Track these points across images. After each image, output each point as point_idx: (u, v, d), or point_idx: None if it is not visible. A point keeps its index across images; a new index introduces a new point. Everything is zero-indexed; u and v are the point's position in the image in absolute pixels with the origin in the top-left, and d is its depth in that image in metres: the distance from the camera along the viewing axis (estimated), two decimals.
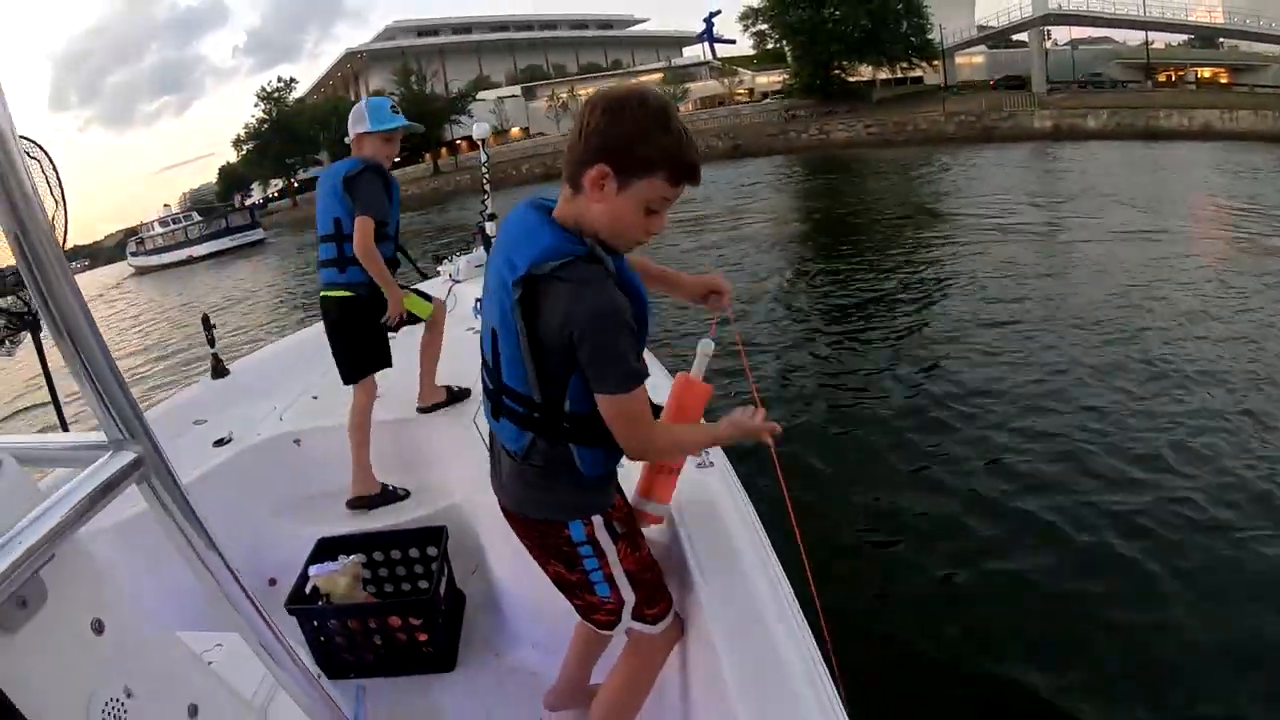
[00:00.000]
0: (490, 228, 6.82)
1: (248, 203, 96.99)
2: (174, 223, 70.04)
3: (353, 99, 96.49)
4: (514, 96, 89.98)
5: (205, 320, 5.21)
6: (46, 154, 3.32)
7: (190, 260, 61.46)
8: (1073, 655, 4.14)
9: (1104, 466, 5.94)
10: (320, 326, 4.59)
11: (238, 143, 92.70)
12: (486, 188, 7.23)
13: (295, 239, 53.60)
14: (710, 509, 2.61)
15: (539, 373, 1.93)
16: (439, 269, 7.17)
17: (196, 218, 69.68)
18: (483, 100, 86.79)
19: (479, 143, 7.05)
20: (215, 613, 1.36)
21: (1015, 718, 3.88)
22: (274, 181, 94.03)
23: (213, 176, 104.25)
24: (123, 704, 1.21)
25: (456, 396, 4.45)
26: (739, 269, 15.32)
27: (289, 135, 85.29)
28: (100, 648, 1.20)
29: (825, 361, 9.19)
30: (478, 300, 5.65)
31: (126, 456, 1.13)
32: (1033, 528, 5.28)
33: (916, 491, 5.88)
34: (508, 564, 3.37)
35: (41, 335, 3.51)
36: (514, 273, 1.87)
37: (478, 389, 3.49)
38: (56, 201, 3.34)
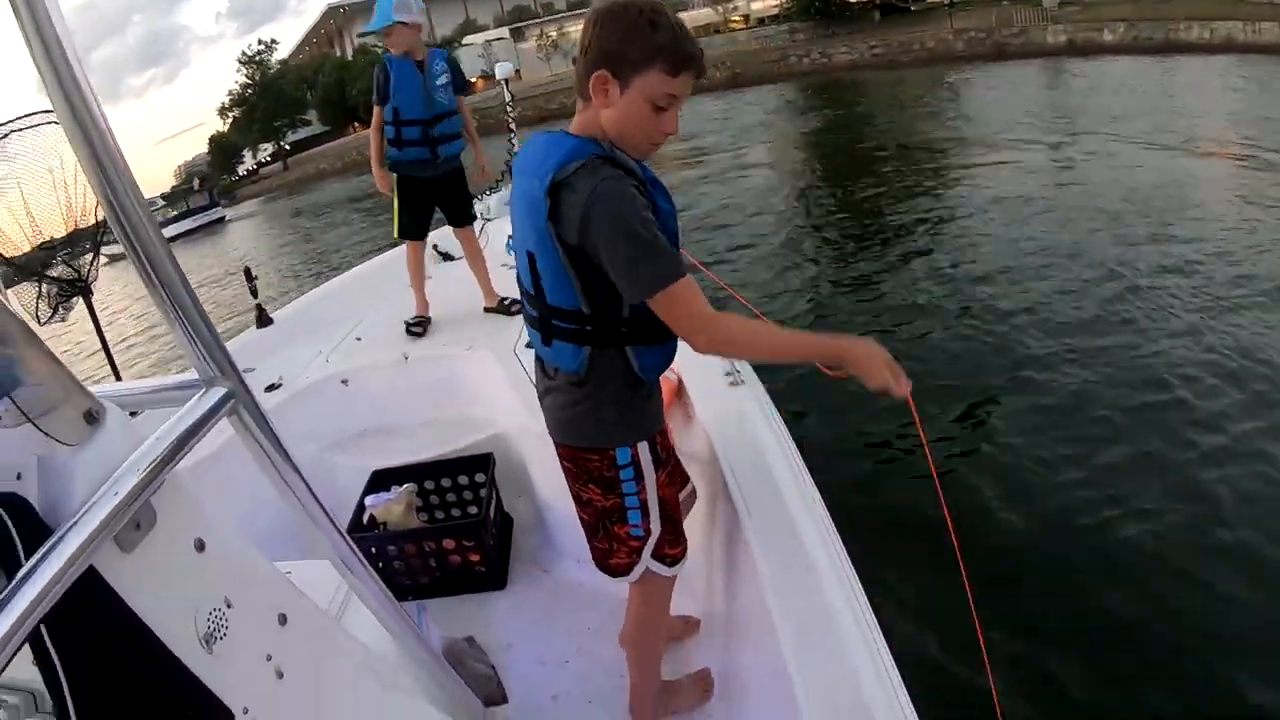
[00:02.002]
0: None
1: (239, 169, 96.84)
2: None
3: (338, 54, 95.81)
4: (501, 39, 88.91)
5: (247, 272, 5.51)
6: None
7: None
8: None
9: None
10: (357, 270, 5.13)
11: (223, 110, 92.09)
12: (513, 125, 7.45)
13: (290, 202, 53.22)
14: (751, 440, 2.69)
15: (583, 282, 1.98)
16: None
17: (160, 203, 69.90)
18: (469, 45, 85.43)
19: (502, 82, 7.33)
20: (299, 532, 1.55)
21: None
22: (263, 146, 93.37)
23: (205, 147, 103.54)
24: (224, 613, 1.37)
25: (510, 306, 5.05)
26: (741, 205, 15.03)
27: (275, 98, 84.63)
28: (203, 563, 1.36)
29: (841, 298, 9.08)
30: (509, 237, 5.83)
31: (219, 392, 1.37)
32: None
33: (958, 429, 5.86)
34: (552, 487, 3.58)
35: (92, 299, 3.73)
36: (542, 185, 1.93)
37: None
38: None
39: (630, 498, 2.25)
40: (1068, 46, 49.02)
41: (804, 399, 5.99)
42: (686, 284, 1.90)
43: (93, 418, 1.25)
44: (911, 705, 1.75)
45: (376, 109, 5.15)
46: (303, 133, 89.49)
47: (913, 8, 72.20)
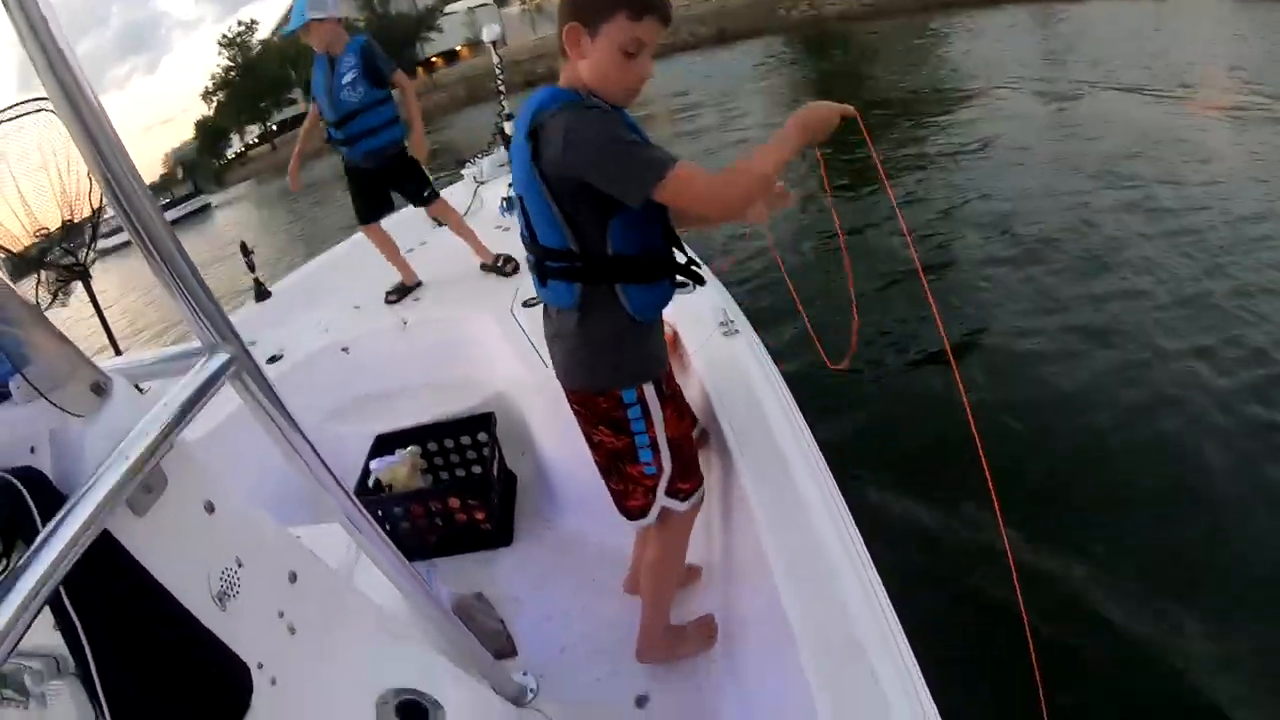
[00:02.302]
0: (509, 127, 7.08)
1: (227, 153, 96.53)
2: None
3: None
4: (485, 5, 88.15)
5: (244, 247, 5.60)
6: None
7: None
8: None
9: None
10: (351, 241, 5.21)
11: (207, 95, 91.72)
12: (502, 89, 7.48)
13: (280, 183, 52.94)
14: (744, 386, 2.75)
15: (568, 220, 2.06)
16: (462, 172, 7.58)
17: None
18: (452, 13, 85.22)
19: (490, 45, 7.28)
20: (307, 498, 1.61)
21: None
22: (250, 128, 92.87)
23: (192, 133, 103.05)
24: (235, 572, 1.44)
25: (504, 265, 5.13)
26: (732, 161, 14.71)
27: (258, 79, 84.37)
28: (213, 524, 1.43)
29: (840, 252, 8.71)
30: (503, 199, 6.02)
31: (221, 358, 1.43)
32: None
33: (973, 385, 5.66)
34: (554, 443, 3.68)
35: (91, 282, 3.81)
36: (524, 130, 2.04)
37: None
38: None
39: (640, 436, 2.33)
40: None
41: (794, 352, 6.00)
42: (685, 166, 1.92)
43: (100, 390, 1.31)
44: (904, 635, 1.80)
45: (312, 104, 5.40)
46: (289, 112, 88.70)
47: None
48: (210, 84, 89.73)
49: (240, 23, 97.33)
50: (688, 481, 2.47)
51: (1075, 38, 26.83)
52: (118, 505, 1.18)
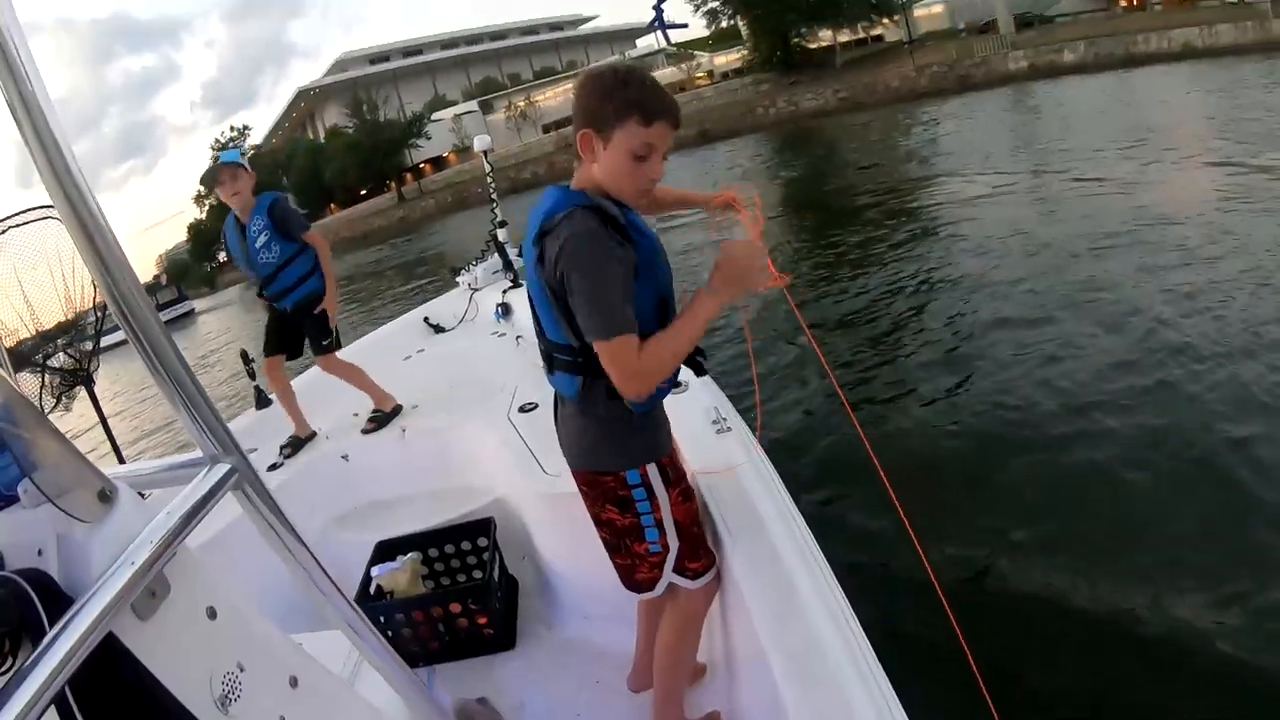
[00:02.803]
0: (502, 234, 7.28)
1: (219, 256, 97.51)
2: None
3: (310, 137, 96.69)
4: (471, 112, 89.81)
5: (244, 355, 5.63)
6: None
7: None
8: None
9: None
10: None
11: (199, 198, 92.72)
12: (494, 196, 7.60)
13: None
14: (739, 484, 2.81)
15: (568, 320, 2.16)
16: (457, 280, 7.60)
17: None
18: (439, 120, 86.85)
19: (481, 154, 7.45)
20: (308, 605, 1.62)
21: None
22: None
23: (185, 234, 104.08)
24: (237, 676, 1.46)
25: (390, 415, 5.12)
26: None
27: None
28: (215, 630, 1.46)
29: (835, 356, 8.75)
30: (498, 305, 6.06)
31: (222, 469, 1.46)
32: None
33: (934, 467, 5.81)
34: (554, 547, 3.68)
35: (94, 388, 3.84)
36: (532, 235, 2.19)
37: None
38: None
39: (646, 516, 2.39)
40: (1030, 71, 49.79)
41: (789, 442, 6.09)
42: (622, 342, 2.04)
43: (106, 497, 1.34)
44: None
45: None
46: None
47: (870, 39, 73.41)
48: (202, 189, 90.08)
49: (233, 128, 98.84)
50: (696, 561, 2.49)
51: (1047, 117, 27.53)
52: (123, 610, 1.21)
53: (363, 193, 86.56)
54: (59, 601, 1.21)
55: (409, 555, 3.72)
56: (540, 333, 2.33)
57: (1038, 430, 5.93)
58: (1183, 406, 5.81)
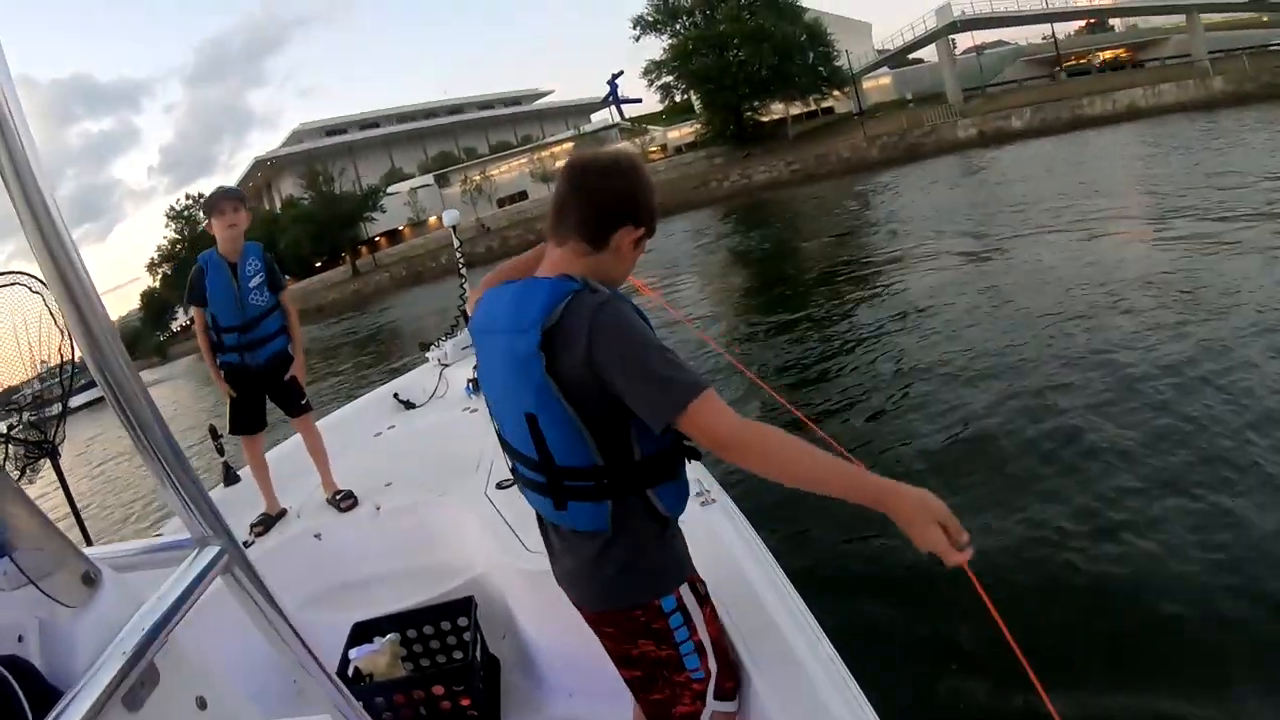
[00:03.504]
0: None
1: (172, 325, 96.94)
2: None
3: (266, 207, 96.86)
4: (427, 186, 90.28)
5: (213, 431, 5.49)
6: (46, 286, 3.46)
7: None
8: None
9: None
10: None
11: (153, 266, 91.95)
12: (463, 270, 7.62)
13: None
14: (729, 558, 2.72)
15: (595, 434, 1.90)
16: (426, 355, 7.55)
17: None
18: (395, 193, 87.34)
19: (450, 229, 7.52)
20: (299, 686, 1.53)
21: None
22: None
23: (138, 302, 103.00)
24: None
25: (341, 501, 4.88)
26: (676, 338, 14.24)
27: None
28: None
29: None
30: (469, 381, 6.01)
31: (212, 551, 1.39)
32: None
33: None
34: (536, 625, 3.60)
35: (60, 461, 3.70)
36: (533, 338, 1.86)
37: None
38: (61, 331, 3.45)
39: (685, 644, 2.12)
40: (979, 138, 51.14)
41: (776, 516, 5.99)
42: (714, 393, 1.78)
43: (90, 580, 1.27)
44: None
45: (196, 310, 5.04)
46: None
47: (820, 110, 74.84)
48: (156, 255, 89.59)
49: (188, 196, 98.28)
50: (731, 679, 2.23)
51: (996, 183, 28.23)
52: (115, 701, 1.13)
53: (317, 265, 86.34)
54: (44, 691, 1.14)
55: (387, 636, 3.60)
56: (542, 461, 2.00)
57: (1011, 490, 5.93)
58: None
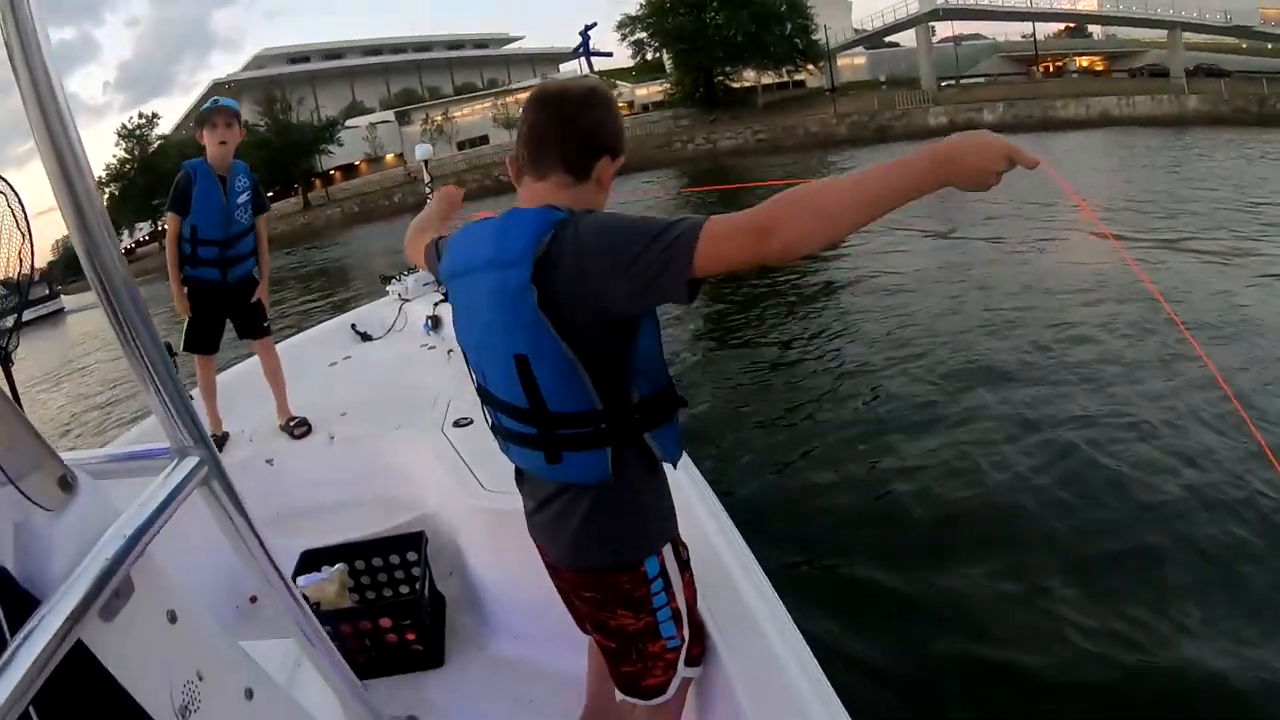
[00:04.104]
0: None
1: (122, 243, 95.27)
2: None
3: None
4: (387, 122, 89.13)
5: (168, 347, 5.23)
6: (11, 187, 3.31)
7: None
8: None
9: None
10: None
11: (100, 185, 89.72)
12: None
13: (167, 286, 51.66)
14: (692, 522, 2.69)
15: (594, 376, 1.79)
16: (387, 289, 7.48)
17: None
18: (354, 127, 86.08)
19: (421, 164, 7.47)
20: (253, 608, 1.52)
21: None
22: (140, 225, 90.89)
23: None
24: (196, 685, 1.37)
25: (294, 428, 4.86)
26: None
27: (154, 175, 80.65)
28: (176, 634, 1.36)
29: (742, 392, 8.95)
30: (428, 318, 5.98)
31: (192, 461, 1.40)
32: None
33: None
34: (483, 565, 3.63)
35: (12, 369, 3.61)
36: (524, 272, 1.72)
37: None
38: (23, 234, 3.36)
39: (662, 610, 2.06)
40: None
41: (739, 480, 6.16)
42: (714, 218, 1.59)
43: (67, 485, 1.23)
44: None
45: (173, 218, 4.87)
46: None
47: (792, 83, 74.87)
48: (104, 174, 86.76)
49: (141, 115, 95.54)
50: (699, 644, 2.23)
51: None
52: (92, 611, 1.11)
53: (270, 194, 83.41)
54: (18, 598, 1.10)
55: (336, 566, 3.59)
56: (534, 410, 1.88)
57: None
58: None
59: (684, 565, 2.13)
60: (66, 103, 1.16)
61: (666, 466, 2.06)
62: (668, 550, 2.05)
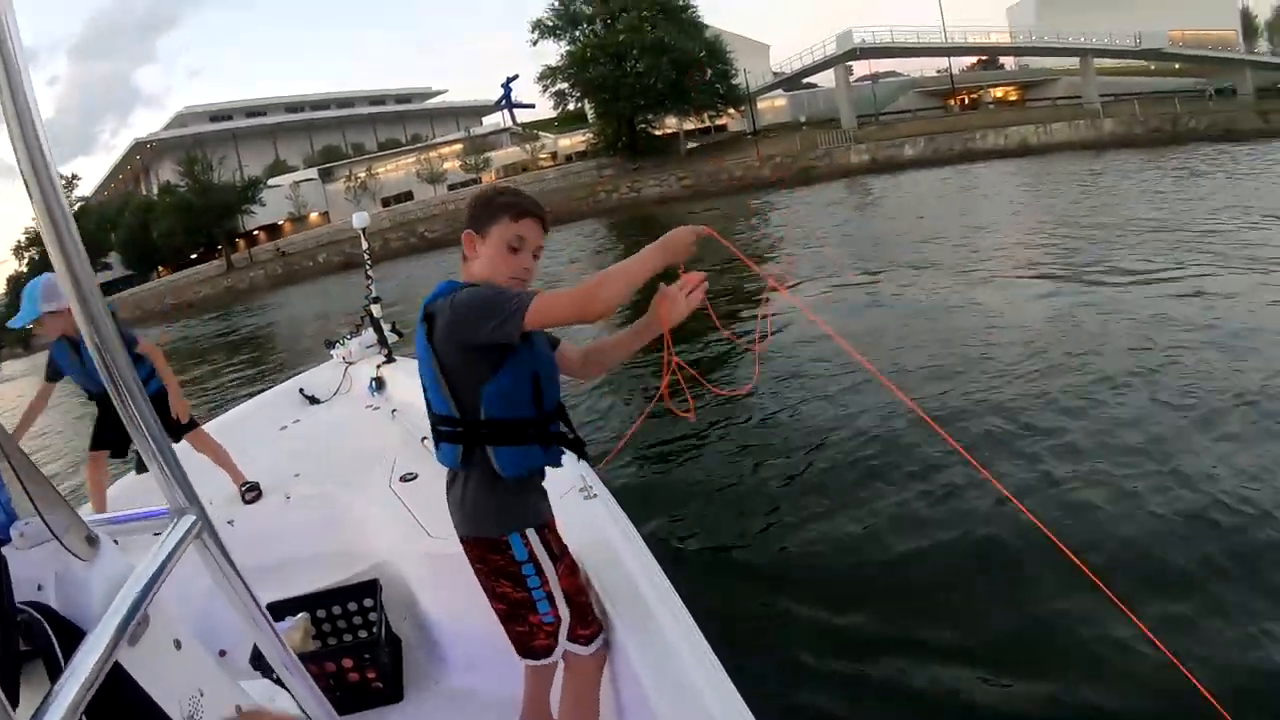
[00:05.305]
0: (376, 310, 7.37)
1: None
2: None
3: (144, 193, 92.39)
4: (310, 180, 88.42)
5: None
6: None
7: None
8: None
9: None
10: (222, 419, 5.27)
11: (18, 250, 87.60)
12: (370, 273, 7.69)
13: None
14: (606, 547, 3.11)
15: (451, 388, 2.47)
16: (331, 353, 7.64)
17: None
18: (277, 185, 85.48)
19: (360, 231, 7.47)
20: (257, 642, 1.89)
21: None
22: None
23: (3, 287, 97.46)
24: (199, 699, 1.72)
25: (246, 493, 5.19)
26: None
27: None
28: (182, 658, 1.72)
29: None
30: (372, 380, 6.28)
31: (189, 520, 1.68)
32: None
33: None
34: (434, 606, 3.96)
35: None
36: (421, 314, 2.50)
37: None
38: None
39: (537, 590, 2.59)
40: (871, 164, 52.18)
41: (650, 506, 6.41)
42: (544, 294, 2.31)
43: (93, 540, 1.58)
44: None
45: (47, 385, 5.47)
46: (103, 277, 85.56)
47: (714, 128, 75.44)
48: (24, 238, 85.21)
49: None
50: (587, 628, 2.72)
51: (885, 209, 29.24)
52: (125, 637, 1.42)
53: (193, 256, 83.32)
54: (67, 630, 1.45)
55: (299, 615, 3.84)
56: (429, 407, 2.60)
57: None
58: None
59: (556, 556, 2.66)
60: (55, 170, 1.41)
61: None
62: (534, 536, 2.60)
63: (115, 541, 1.68)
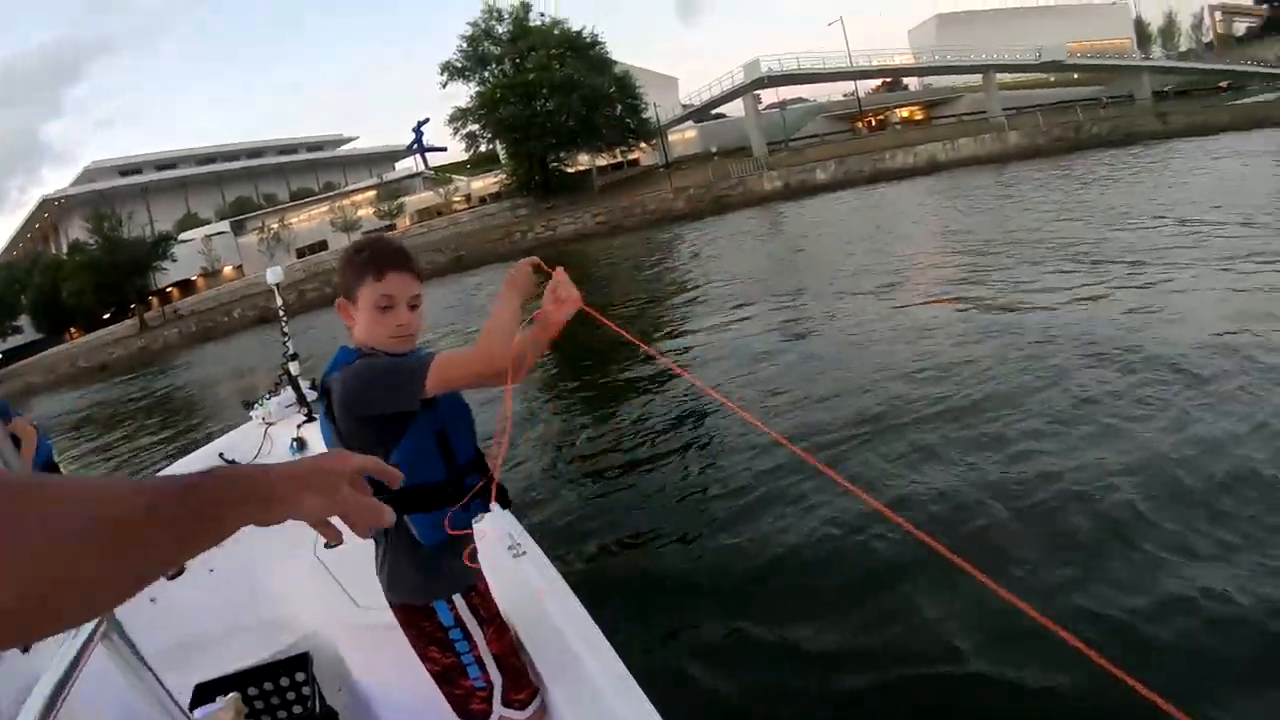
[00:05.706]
0: (294, 367, 7.16)
1: None
2: None
3: (53, 252, 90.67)
4: (222, 233, 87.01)
5: None
6: None
7: None
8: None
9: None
10: None
11: None
12: (286, 330, 7.54)
13: None
14: (537, 603, 3.02)
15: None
16: (250, 413, 7.39)
17: None
18: (189, 240, 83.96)
19: (274, 288, 7.35)
20: None
21: None
22: None
23: None
24: None
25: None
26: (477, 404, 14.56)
27: None
28: None
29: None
30: (293, 440, 6.09)
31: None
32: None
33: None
34: (369, 678, 3.84)
35: None
36: (319, 388, 2.52)
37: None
38: None
39: (465, 654, 2.58)
40: (785, 190, 52.78)
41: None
42: (441, 354, 2.32)
43: None
44: None
45: None
46: (13, 341, 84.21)
47: (626, 163, 75.88)
48: None
49: None
50: (521, 691, 2.69)
51: (799, 235, 29.51)
52: None
53: (105, 316, 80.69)
54: None
55: (229, 695, 3.69)
56: None
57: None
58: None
59: (484, 619, 2.65)
60: None
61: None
62: (460, 602, 2.59)
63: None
